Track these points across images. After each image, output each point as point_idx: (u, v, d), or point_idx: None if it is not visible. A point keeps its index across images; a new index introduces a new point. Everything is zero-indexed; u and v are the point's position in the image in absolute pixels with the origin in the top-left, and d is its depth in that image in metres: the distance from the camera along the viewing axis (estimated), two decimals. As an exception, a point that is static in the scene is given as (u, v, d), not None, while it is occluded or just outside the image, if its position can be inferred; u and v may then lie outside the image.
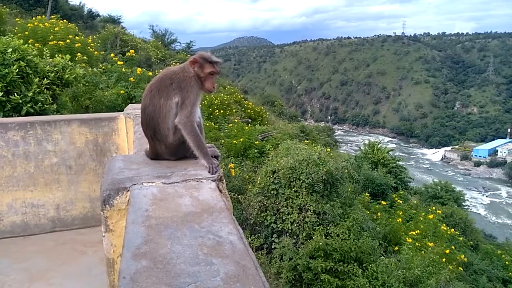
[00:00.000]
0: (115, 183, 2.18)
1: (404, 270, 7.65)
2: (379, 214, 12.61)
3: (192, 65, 2.53)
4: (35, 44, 9.24)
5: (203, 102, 15.68)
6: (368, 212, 11.96)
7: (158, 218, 1.78)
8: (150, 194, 2.05)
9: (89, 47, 11.96)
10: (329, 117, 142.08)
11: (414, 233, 11.02)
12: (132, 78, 9.67)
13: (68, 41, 10.61)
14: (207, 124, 13.47)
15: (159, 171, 2.37)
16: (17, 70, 5.92)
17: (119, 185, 2.16)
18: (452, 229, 13.42)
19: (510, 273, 13.81)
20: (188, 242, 1.58)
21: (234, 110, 19.07)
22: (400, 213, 13.64)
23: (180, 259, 1.45)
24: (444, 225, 13.48)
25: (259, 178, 9.42)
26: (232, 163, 10.85)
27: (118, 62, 11.23)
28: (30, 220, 4.22)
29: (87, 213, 4.41)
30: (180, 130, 2.46)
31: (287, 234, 8.44)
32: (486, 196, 76.34)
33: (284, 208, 8.63)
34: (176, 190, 2.11)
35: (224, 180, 2.43)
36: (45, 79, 6.51)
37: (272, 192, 8.88)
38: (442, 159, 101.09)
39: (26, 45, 6.74)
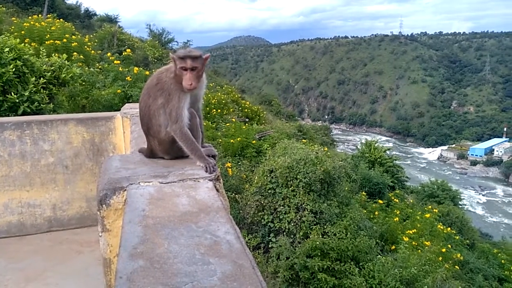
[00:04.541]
0: (112, 182, 2.18)
1: (400, 269, 7.67)
2: (376, 213, 12.65)
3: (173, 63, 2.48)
4: (32, 44, 9.17)
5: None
6: (365, 211, 11.98)
7: (155, 218, 1.78)
8: (147, 194, 2.05)
9: (86, 47, 11.90)
10: (326, 116, 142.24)
11: (410, 232, 11.08)
12: (129, 78, 9.62)
13: (64, 40, 10.55)
14: (204, 124, 13.42)
15: (156, 170, 2.37)
16: (14, 69, 5.89)
17: (115, 185, 2.15)
18: (449, 228, 13.49)
19: (505, 272, 13.90)
20: (185, 242, 1.58)
21: (231, 110, 19.06)
22: (397, 212, 13.69)
23: (177, 259, 1.45)
24: (441, 224, 13.54)
25: (256, 178, 9.42)
26: (229, 162, 10.84)
27: (115, 62, 11.15)
28: (27, 220, 4.21)
29: (83, 212, 4.40)
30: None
31: (284, 233, 8.45)
32: (483, 195, 76.74)
33: (281, 207, 8.64)
34: (173, 190, 2.11)
35: (221, 180, 2.43)
36: (42, 78, 6.48)
37: (269, 191, 8.88)
38: (438, 158, 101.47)
39: (23, 44, 6.71)
